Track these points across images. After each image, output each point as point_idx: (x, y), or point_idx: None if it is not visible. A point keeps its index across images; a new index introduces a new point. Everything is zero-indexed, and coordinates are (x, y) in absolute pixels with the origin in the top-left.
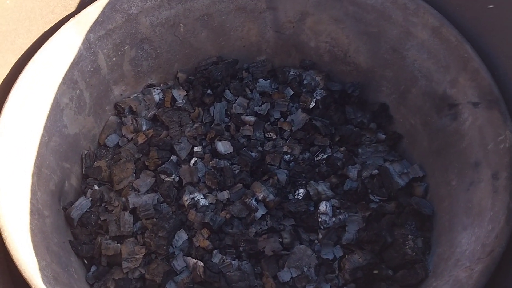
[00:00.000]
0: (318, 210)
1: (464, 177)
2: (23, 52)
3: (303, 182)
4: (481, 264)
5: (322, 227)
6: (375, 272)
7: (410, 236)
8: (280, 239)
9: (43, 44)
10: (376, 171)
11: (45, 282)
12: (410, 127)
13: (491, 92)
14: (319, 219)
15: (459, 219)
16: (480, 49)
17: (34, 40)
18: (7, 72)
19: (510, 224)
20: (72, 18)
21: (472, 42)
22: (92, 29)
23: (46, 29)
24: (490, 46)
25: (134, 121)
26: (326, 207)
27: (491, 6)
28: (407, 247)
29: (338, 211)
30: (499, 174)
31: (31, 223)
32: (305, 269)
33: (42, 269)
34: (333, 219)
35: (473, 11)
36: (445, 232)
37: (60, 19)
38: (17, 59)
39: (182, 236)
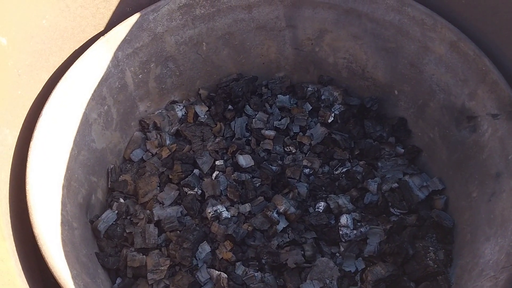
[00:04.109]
0: (339, 223)
1: (485, 188)
2: (55, 69)
3: (323, 195)
4: (506, 272)
5: (344, 240)
6: None
7: (431, 248)
8: (302, 252)
9: (74, 62)
10: (396, 185)
11: None
12: (429, 141)
13: (511, 103)
14: (340, 232)
15: (482, 230)
16: (499, 62)
17: (66, 58)
18: (41, 88)
19: None
20: (101, 37)
21: (490, 56)
22: (120, 47)
23: (77, 48)
24: (508, 59)
25: (158, 136)
26: (347, 220)
27: None
28: (428, 259)
29: (359, 224)
30: None
31: (62, 234)
32: (328, 281)
33: (74, 278)
34: (354, 231)
35: (490, 25)
36: (467, 243)
37: (90, 37)
38: (50, 75)
39: (205, 248)
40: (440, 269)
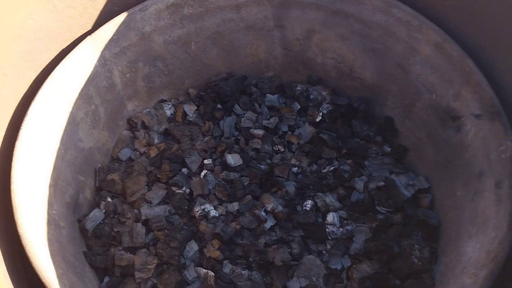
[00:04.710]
0: (326, 221)
1: (469, 187)
2: (42, 69)
3: (311, 193)
4: (485, 269)
5: (330, 238)
6: None
7: (416, 246)
8: (289, 250)
9: (61, 61)
10: (382, 183)
11: None
12: (416, 140)
13: (493, 104)
14: (327, 230)
15: (465, 229)
16: (481, 63)
17: (53, 58)
18: (27, 88)
19: None
20: (88, 36)
21: (473, 57)
22: (107, 47)
23: (64, 47)
24: (490, 60)
25: (147, 135)
26: (334, 218)
27: None
28: (413, 256)
29: (345, 222)
30: (502, 183)
31: (48, 233)
32: (314, 279)
33: (59, 277)
34: (341, 229)
35: (474, 27)
36: (452, 241)
37: (77, 37)
38: (36, 75)
39: (193, 247)
40: (425, 267)
